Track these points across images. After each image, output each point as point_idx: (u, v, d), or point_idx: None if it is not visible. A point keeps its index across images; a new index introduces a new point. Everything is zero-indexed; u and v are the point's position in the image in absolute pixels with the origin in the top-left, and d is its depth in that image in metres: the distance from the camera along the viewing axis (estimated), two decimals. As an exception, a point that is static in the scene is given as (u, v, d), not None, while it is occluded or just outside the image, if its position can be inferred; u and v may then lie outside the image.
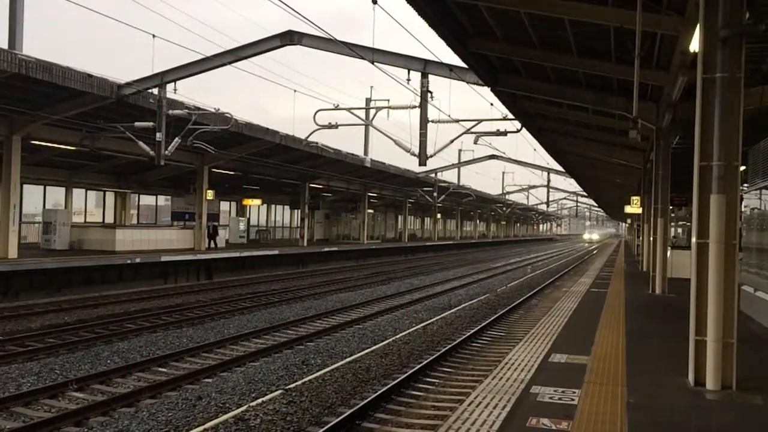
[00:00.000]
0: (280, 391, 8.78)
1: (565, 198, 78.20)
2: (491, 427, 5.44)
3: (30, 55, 15.87)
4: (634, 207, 25.96)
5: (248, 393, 9.06)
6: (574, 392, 6.30)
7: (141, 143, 20.09)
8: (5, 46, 18.49)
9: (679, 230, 28.95)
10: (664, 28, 9.94)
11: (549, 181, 61.02)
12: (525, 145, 61.25)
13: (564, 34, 11.19)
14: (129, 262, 21.08)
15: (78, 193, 29.15)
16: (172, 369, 10.75)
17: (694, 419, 5.56)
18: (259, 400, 8.34)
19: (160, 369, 10.69)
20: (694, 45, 8.20)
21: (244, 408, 7.99)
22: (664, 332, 10.20)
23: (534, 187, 67.51)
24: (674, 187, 16.62)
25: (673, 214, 24.50)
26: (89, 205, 31.57)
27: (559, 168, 39.22)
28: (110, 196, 31.62)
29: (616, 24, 9.96)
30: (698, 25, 6.56)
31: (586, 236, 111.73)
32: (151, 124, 19.42)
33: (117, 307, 17.08)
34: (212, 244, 29.17)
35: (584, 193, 61.71)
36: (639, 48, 9.71)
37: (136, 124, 19.60)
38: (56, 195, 28.39)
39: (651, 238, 18.57)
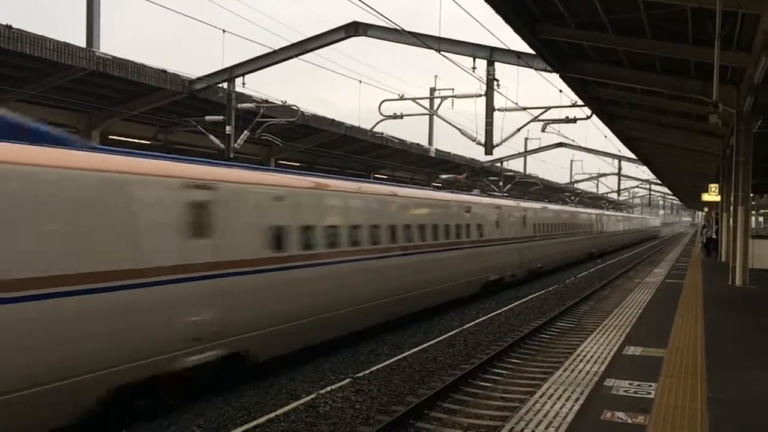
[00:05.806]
0: (348, 380, 8.88)
1: (637, 186, 75.53)
2: (564, 420, 5.33)
3: (107, 53, 16.49)
4: (711, 195, 24.83)
5: (318, 381, 9.20)
6: (651, 386, 6.11)
7: (212, 137, 20.61)
8: (83, 44, 19.26)
9: (761, 219, 27.60)
10: (746, 7, 9.46)
11: (620, 169, 59.15)
12: (595, 132, 59.49)
13: (638, 15, 10.79)
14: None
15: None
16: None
17: (780, 417, 5.30)
18: (329, 388, 8.45)
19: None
20: (780, 23, 7.77)
21: (313, 395, 8.12)
22: (745, 325, 9.77)
23: (604, 175, 65.34)
24: (755, 173, 15.85)
25: (753, 202, 23.36)
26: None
27: (631, 155, 37.97)
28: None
29: (694, 4, 9.53)
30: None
31: None
32: (221, 117, 19.90)
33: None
34: None
35: (658, 181, 59.51)
36: (719, 28, 9.28)
37: (207, 118, 20.12)
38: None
39: (730, 227, 17.79)
